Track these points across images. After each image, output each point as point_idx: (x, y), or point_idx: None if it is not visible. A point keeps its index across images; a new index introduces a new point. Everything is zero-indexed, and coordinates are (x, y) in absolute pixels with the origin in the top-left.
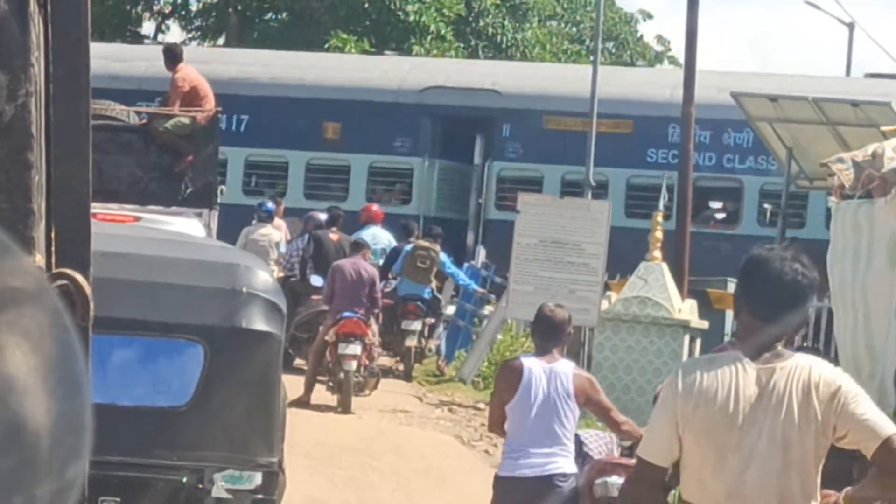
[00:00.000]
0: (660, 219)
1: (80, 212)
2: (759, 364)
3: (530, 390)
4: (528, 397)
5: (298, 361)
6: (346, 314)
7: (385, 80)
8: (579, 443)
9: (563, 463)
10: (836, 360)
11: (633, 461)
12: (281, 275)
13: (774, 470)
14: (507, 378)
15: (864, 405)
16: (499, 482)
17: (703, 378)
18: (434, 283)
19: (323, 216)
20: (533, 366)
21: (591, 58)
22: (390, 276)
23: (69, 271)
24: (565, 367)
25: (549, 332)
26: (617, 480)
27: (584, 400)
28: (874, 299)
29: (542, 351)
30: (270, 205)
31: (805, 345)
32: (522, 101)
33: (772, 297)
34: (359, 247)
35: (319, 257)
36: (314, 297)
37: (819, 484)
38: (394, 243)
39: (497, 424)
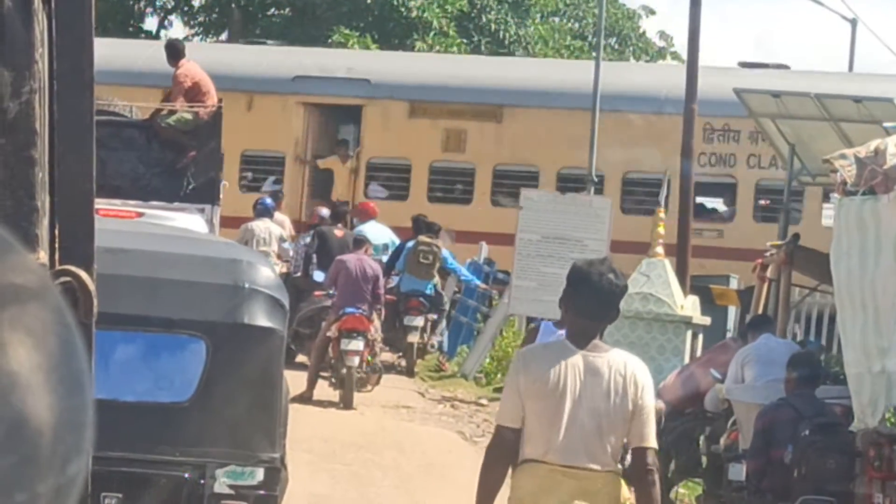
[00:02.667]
0: (662, 215)
1: (84, 208)
2: (584, 351)
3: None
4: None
5: (301, 357)
6: (349, 310)
7: None
8: None
9: None
10: (839, 355)
11: None
12: (284, 270)
13: (589, 432)
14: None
15: (650, 414)
16: None
17: (540, 359)
18: (437, 279)
19: (326, 211)
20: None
21: (594, 53)
22: (393, 272)
23: (73, 268)
24: None
25: None
26: None
27: None
28: (883, 296)
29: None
30: (269, 200)
31: (800, 339)
32: None
33: (594, 301)
34: (360, 243)
35: (323, 253)
36: (317, 292)
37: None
38: (395, 239)
39: None
